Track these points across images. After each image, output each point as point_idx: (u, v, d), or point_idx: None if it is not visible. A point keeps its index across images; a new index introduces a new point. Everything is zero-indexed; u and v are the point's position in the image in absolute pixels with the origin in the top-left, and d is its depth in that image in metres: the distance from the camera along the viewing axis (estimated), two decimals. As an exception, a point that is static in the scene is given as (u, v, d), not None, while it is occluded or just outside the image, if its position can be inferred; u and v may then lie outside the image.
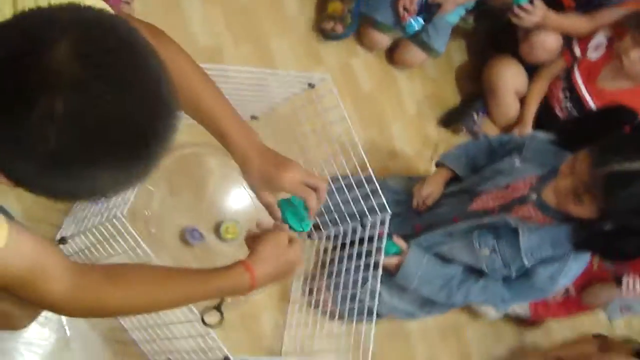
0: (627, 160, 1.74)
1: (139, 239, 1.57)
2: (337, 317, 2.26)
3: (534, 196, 2.09)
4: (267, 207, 1.48)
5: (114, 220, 1.58)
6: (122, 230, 1.58)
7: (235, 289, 1.34)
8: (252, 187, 1.47)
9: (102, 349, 1.90)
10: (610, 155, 1.77)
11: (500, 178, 2.21)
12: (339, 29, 2.79)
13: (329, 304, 2.24)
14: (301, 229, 1.50)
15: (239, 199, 2.23)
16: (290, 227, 1.48)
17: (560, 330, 3.31)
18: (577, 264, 2.05)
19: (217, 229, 2.17)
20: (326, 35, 2.81)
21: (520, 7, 2.80)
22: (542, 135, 2.21)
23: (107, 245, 1.67)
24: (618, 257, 2.19)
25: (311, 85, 2.11)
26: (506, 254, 2.09)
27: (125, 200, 1.60)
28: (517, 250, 2.05)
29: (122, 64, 0.79)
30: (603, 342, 2.91)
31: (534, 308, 2.92)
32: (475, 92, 3.27)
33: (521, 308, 2.95)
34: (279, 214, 1.48)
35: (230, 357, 1.64)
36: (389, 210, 2.16)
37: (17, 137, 0.76)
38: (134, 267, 1.36)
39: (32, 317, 1.61)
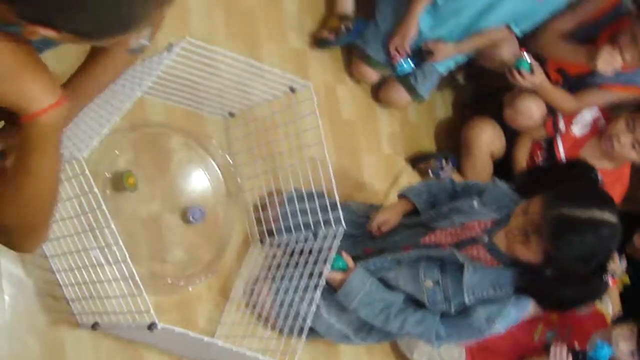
0: (579, 207, 1.78)
1: (93, 184, 1.58)
2: (270, 323, 2.26)
3: (485, 238, 2.13)
4: None
5: (73, 161, 1.60)
6: (79, 172, 1.59)
7: None
8: None
9: (34, 301, 1.88)
10: (563, 200, 1.82)
11: (457, 217, 2.24)
12: (332, 37, 2.85)
13: (267, 307, 2.24)
14: None
15: (199, 181, 2.28)
16: None
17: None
18: (516, 310, 2.06)
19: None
20: (318, 42, 2.88)
21: (519, 71, 2.83)
22: (504, 184, 2.25)
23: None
24: (554, 305, 2.20)
25: (292, 89, 2.15)
26: (449, 288, 2.10)
27: (87, 144, 1.61)
28: (459, 286, 2.07)
29: None
30: None
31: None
32: (451, 147, 3.33)
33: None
34: None
35: (157, 323, 1.63)
36: (344, 225, 2.18)
37: None
38: None
39: None
